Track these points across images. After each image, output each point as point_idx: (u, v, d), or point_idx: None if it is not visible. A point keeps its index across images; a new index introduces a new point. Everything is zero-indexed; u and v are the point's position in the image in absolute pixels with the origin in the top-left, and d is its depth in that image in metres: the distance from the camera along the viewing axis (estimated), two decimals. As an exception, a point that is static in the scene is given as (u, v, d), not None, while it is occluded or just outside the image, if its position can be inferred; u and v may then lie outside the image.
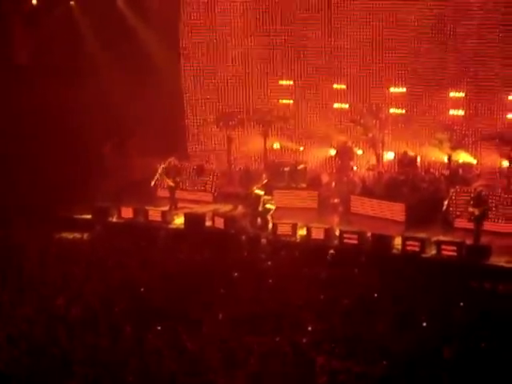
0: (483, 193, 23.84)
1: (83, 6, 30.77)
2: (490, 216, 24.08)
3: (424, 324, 16.85)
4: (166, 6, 30.90)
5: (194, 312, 17.44)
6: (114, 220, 26.71)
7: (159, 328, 16.50)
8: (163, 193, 28.40)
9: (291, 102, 30.97)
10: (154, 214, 26.40)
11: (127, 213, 26.65)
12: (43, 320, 17.20)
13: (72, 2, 30.70)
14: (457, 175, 26.87)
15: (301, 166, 28.94)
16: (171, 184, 27.46)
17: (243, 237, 24.36)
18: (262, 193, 25.27)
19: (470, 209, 23.40)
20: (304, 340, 16.03)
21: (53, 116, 28.72)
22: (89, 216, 26.75)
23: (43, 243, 23.53)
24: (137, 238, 24.31)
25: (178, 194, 28.07)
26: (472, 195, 23.91)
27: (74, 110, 29.17)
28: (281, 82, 30.89)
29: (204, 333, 16.41)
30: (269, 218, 25.13)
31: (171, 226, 26.11)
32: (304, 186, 28.04)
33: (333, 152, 29.58)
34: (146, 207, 26.67)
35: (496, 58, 27.67)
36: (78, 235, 25.46)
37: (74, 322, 17.12)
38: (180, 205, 27.60)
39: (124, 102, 29.45)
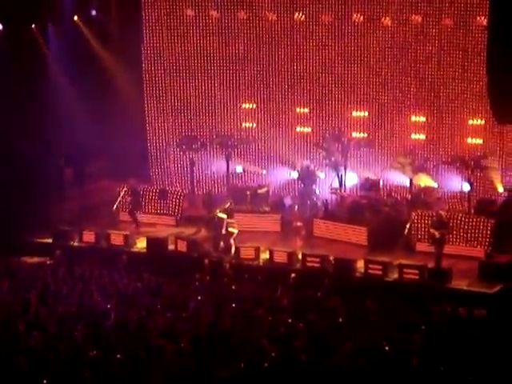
0: (444, 216, 23.98)
1: (44, 31, 30.65)
2: (451, 239, 24.27)
3: (386, 348, 16.81)
4: (127, 30, 30.84)
5: (154, 339, 17.17)
6: (76, 244, 26.42)
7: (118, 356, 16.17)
8: (125, 216, 28.22)
9: (254, 125, 31.02)
10: (116, 237, 26.19)
11: (89, 237, 26.40)
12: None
13: (33, 26, 30.50)
14: (418, 199, 27.02)
15: (263, 190, 28.96)
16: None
17: (206, 260, 24.22)
18: (224, 216, 25.22)
19: (431, 231, 23.54)
20: (265, 365, 15.88)
21: (10, 141, 28.55)
22: (50, 240, 26.46)
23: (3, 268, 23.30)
24: (97, 262, 24.02)
25: (141, 217, 27.95)
26: (433, 218, 24.05)
27: (32, 134, 29.01)
28: (244, 106, 30.95)
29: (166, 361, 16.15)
30: (232, 241, 25.05)
31: (133, 250, 25.90)
32: (267, 209, 28.03)
33: (295, 175, 29.64)
34: (108, 231, 26.43)
35: (456, 82, 28.00)
36: (38, 259, 25.19)
37: (35, 347, 16.82)
38: (142, 228, 27.48)
39: (85, 126, 29.33)
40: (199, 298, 20.58)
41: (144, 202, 28.47)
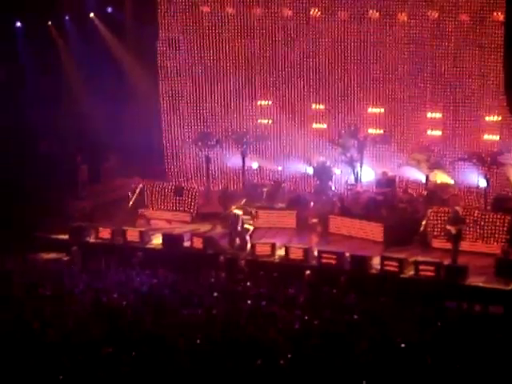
0: (460, 212, 23.90)
1: (60, 27, 30.82)
2: (468, 235, 24.19)
3: (402, 345, 16.77)
4: (143, 27, 30.92)
5: (169, 336, 17.18)
6: (92, 240, 26.48)
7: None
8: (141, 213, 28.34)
9: (270, 121, 31.01)
10: (132, 234, 26.23)
11: (105, 233, 26.48)
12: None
13: (50, 23, 30.67)
14: (435, 195, 26.94)
15: (279, 186, 28.95)
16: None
17: (221, 257, 24.23)
18: (240, 213, 25.22)
19: (448, 227, 23.46)
20: (281, 362, 15.88)
21: (29, 139, 28.71)
22: (66, 236, 26.56)
23: (21, 265, 23.43)
24: (113, 258, 24.10)
25: (157, 214, 28.07)
26: (449, 214, 23.97)
27: (51, 132, 29.18)
28: (259, 103, 30.93)
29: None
30: (247, 238, 25.06)
31: (149, 247, 25.96)
32: (283, 205, 28.00)
33: (311, 171, 29.62)
34: (124, 227, 26.49)
35: (472, 78, 27.89)
36: (55, 255, 25.30)
37: (51, 345, 16.88)
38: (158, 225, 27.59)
39: (100, 123, 29.45)
40: (215, 294, 20.60)
41: (160, 198, 28.56)
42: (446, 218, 24.25)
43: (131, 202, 28.31)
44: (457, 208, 24.26)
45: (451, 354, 16.18)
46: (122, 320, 18.50)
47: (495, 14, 26.95)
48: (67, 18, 31.09)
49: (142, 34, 30.88)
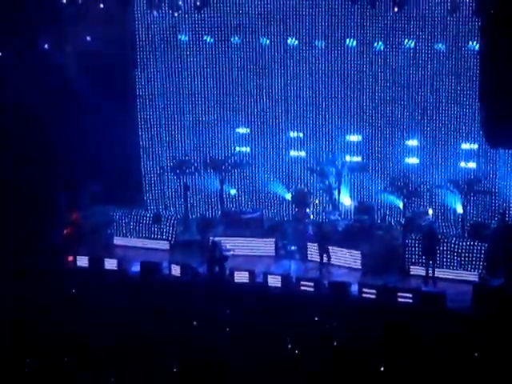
0: (434, 226, 24.34)
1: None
2: (445, 263, 24.39)
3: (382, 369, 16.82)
4: (121, 55, 30.92)
5: (145, 363, 17.11)
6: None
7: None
8: (119, 241, 28.26)
9: (248, 149, 31.09)
10: (110, 262, 26.14)
11: (83, 261, 26.36)
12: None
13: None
14: (412, 223, 27.06)
15: (257, 213, 29.00)
16: None
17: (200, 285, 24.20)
18: (219, 240, 25.22)
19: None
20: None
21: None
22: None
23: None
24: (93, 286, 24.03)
25: (135, 242, 28.04)
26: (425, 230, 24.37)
27: (29, 160, 29.16)
28: (238, 130, 31.03)
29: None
30: (226, 265, 25.04)
31: (127, 275, 25.87)
32: (261, 233, 28.01)
33: (289, 198, 29.71)
34: (101, 256, 26.40)
35: (449, 106, 28.16)
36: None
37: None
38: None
39: (78, 151, 29.42)
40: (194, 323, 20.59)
41: (138, 226, 28.53)
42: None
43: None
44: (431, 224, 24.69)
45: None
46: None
47: (471, 43, 27.27)
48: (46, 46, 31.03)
49: (121, 62, 30.85)
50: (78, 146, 29.72)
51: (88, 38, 31.04)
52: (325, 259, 25.72)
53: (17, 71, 29.88)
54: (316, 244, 26.11)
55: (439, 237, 24.75)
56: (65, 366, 17.34)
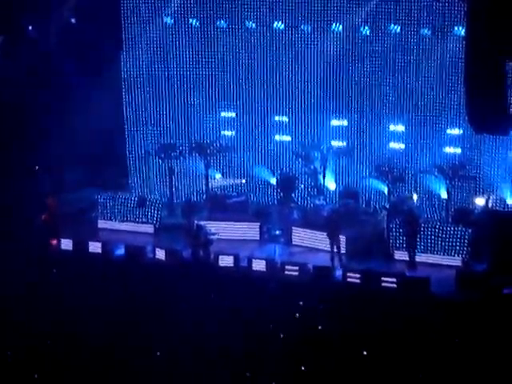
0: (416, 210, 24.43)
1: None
2: (429, 248, 24.51)
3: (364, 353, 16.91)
4: (106, 37, 30.73)
5: (129, 347, 17.13)
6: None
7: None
8: (103, 225, 28.23)
9: (233, 133, 31.04)
10: (94, 246, 26.09)
11: (67, 245, 26.30)
12: None
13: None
14: (397, 208, 27.11)
15: (243, 198, 28.98)
16: None
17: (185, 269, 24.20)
18: (203, 224, 25.22)
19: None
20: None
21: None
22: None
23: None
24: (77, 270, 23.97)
25: (119, 225, 27.98)
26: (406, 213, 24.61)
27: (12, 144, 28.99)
28: (223, 114, 30.97)
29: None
30: (211, 249, 25.04)
31: (111, 258, 25.84)
32: (246, 217, 28.01)
33: (274, 183, 29.70)
34: (86, 239, 26.34)
35: (434, 92, 28.20)
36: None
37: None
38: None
39: (63, 135, 29.27)
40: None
41: (123, 210, 28.49)
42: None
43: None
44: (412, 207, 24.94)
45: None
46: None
47: (456, 28, 27.28)
48: (30, 27, 30.81)
49: (106, 44, 30.67)
50: (62, 130, 29.59)
51: (72, 20, 30.87)
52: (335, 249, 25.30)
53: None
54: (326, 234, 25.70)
55: (420, 221, 24.82)
56: (49, 353, 17.28)
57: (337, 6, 28.81)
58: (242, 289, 22.55)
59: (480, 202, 26.83)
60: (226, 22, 30.07)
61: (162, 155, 30.47)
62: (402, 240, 25.01)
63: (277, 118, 30.57)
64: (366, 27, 28.69)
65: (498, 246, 23.32)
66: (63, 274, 23.60)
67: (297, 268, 23.88)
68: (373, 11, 28.44)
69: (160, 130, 31.27)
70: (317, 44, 29.43)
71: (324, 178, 29.12)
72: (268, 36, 29.91)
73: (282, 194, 29.01)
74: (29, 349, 17.36)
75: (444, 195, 27.55)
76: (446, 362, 16.69)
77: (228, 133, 31.09)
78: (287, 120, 30.50)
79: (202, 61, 30.56)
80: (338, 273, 23.73)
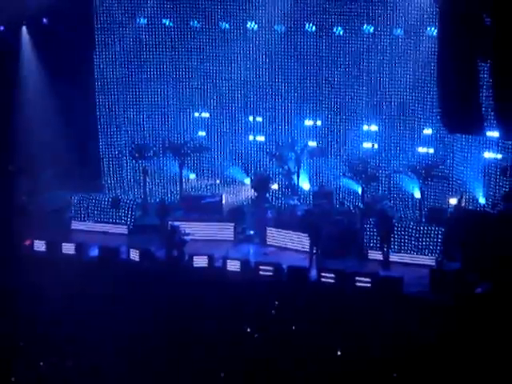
0: (388, 210, 24.53)
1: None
2: (403, 247, 24.63)
3: (339, 353, 16.96)
4: (79, 37, 30.59)
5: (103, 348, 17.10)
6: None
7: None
8: (77, 226, 28.10)
9: (207, 133, 31.00)
10: (67, 247, 25.96)
11: (40, 246, 26.15)
12: None
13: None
14: (371, 207, 27.22)
15: (217, 198, 28.97)
16: None
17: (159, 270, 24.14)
18: (178, 224, 25.18)
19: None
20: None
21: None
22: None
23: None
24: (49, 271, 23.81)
25: (93, 226, 27.86)
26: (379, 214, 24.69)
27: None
28: (197, 114, 30.95)
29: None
30: (185, 250, 25.00)
31: (84, 259, 25.73)
32: (220, 218, 27.99)
33: (249, 183, 29.72)
34: (59, 240, 26.19)
35: (407, 92, 28.33)
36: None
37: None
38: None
39: (36, 136, 29.09)
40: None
41: (96, 210, 28.39)
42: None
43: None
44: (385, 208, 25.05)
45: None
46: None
47: (429, 28, 27.44)
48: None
49: (79, 45, 30.50)
50: (35, 131, 29.41)
51: (44, 20, 30.66)
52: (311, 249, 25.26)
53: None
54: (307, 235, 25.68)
55: (393, 221, 24.93)
56: (23, 354, 17.21)
57: (310, 7, 28.88)
58: (217, 289, 22.54)
59: (453, 201, 26.95)
60: (199, 22, 30.08)
61: (136, 156, 30.41)
62: (376, 240, 25.12)
63: (251, 119, 30.63)
64: (340, 27, 28.79)
65: (470, 245, 23.46)
66: (36, 275, 23.39)
67: (271, 268, 23.88)
68: (346, 11, 28.53)
69: (134, 131, 31.20)
70: (290, 44, 29.52)
71: (298, 178, 29.18)
72: (241, 36, 29.97)
73: (256, 194, 29.01)
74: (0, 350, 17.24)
75: (417, 195, 27.69)
76: (420, 361, 16.76)
77: (202, 133, 31.08)
78: (261, 120, 30.56)
79: (175, 61, 30.53)
80: (313, 273, 23.76)
